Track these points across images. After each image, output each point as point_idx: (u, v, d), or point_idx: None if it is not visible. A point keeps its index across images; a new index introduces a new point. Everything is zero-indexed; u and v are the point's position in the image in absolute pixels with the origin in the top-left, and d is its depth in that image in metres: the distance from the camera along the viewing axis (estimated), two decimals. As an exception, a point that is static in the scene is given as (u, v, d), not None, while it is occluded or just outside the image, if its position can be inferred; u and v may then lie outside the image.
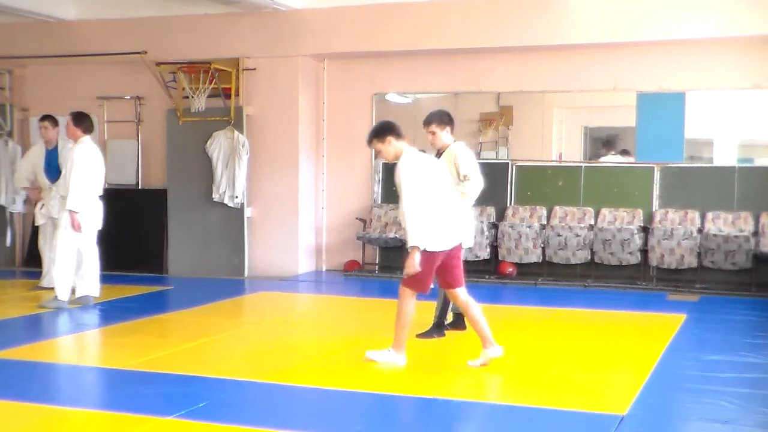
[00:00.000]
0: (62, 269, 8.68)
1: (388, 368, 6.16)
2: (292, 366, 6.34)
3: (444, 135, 7.11)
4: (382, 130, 6.27)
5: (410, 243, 6.01)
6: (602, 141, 11.37)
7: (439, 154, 7.14)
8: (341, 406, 5.43)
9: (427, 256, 6.04)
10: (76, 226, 8.59)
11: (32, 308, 8.63)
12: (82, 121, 8.85)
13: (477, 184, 7.04)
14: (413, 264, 6.00)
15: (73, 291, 8.84)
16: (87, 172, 8.67)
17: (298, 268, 11.28)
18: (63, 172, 8.85)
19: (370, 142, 6.33)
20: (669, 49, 10.20)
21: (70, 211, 8.58)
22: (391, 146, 6.21)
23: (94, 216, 8.84)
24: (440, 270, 6.24)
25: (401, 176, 6.06)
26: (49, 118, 9.63)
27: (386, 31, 10.80)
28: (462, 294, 6.31)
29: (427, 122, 7.15)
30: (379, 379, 5.99)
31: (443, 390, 5.68)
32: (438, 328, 7.25)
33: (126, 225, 11.21)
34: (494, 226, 10.62)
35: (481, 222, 10.47)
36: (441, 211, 6.13)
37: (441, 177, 6.27)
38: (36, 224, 9.68)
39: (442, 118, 7.14)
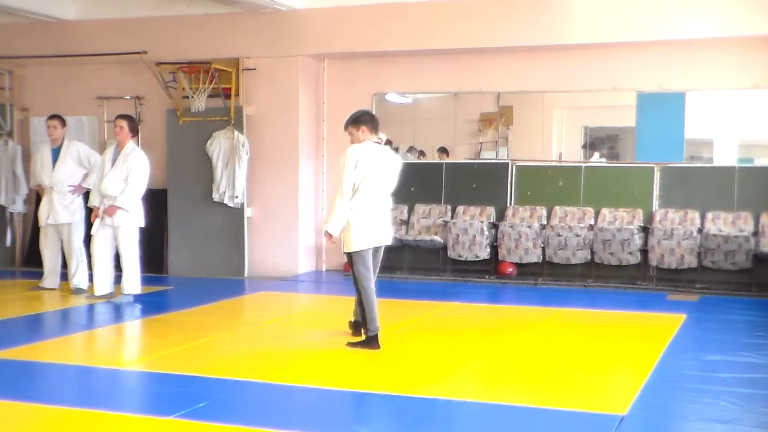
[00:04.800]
0: (132, 265, 8.97)
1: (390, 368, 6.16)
2: (292, 366, 6.34)
3: (359, 135, 6.84)
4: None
5: None
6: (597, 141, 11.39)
7: None
8: (341, 406, 5.43)
9: None
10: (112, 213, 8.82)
11: (32, 308, 8.64)
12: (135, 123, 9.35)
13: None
14: None
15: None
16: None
17: (298, 268, 11.28)
18: (110, 172, 8.87)
19: None
20: (669, 49, 10.20)
21: (117, 206, 8.78)
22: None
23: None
24: None
25: None
26: (58, 118, 9.62)
27: (386, 31, 10.80)
28: None
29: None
30: (379, 379, 5.99)
31: (443, 390, 5.67)
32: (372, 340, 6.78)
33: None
34: (494, 226, 10.62)
35: (482, 222, 10.49)
36: None
37: None
38: (40, 225, 9.69)
39: (357, 119, 6.89)
